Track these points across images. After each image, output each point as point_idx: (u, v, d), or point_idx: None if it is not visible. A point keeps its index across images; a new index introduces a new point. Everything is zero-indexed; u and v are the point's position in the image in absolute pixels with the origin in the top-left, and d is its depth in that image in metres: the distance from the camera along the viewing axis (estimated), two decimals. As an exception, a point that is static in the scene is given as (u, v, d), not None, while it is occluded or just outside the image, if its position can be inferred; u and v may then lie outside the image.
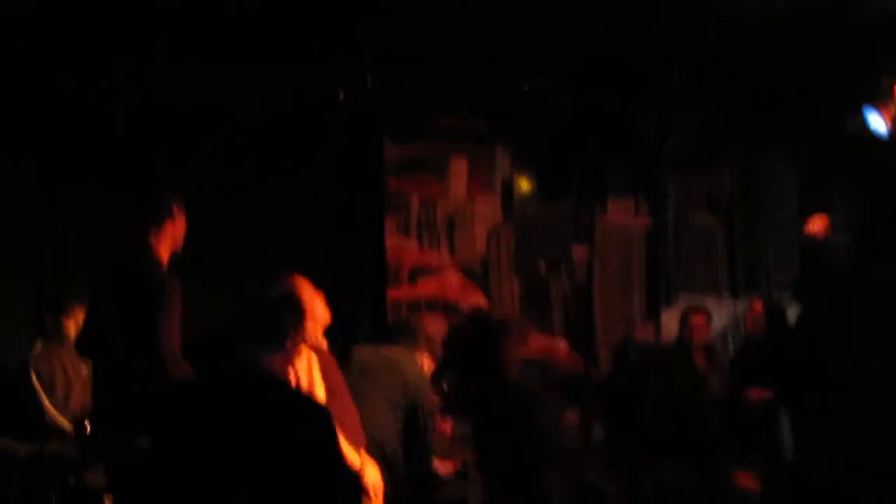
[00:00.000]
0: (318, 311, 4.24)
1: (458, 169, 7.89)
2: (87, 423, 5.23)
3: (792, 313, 7.74)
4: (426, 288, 7.67)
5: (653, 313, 7.97)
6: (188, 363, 4.10)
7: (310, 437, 3.07)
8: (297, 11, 6.02)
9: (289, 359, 3.31)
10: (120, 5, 5.80)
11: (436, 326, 5.80)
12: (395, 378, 4.82)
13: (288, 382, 3.33)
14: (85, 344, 4.45)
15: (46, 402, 5.80)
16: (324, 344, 4.33)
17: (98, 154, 6.81)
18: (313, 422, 3.12)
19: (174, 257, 4.35)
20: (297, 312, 3.37)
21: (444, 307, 7.49)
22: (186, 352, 4.12)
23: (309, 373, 4.06)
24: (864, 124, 6.55)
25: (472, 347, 6.30)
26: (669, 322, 7.61)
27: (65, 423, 5.76)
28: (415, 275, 7.68)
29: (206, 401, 3.13)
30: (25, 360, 5.90)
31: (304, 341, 4.03)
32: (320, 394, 4.03)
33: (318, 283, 4.35)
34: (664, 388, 6.65)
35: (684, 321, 6.80)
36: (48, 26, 6.00)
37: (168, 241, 4.26)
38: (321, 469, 3.05)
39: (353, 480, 3.32)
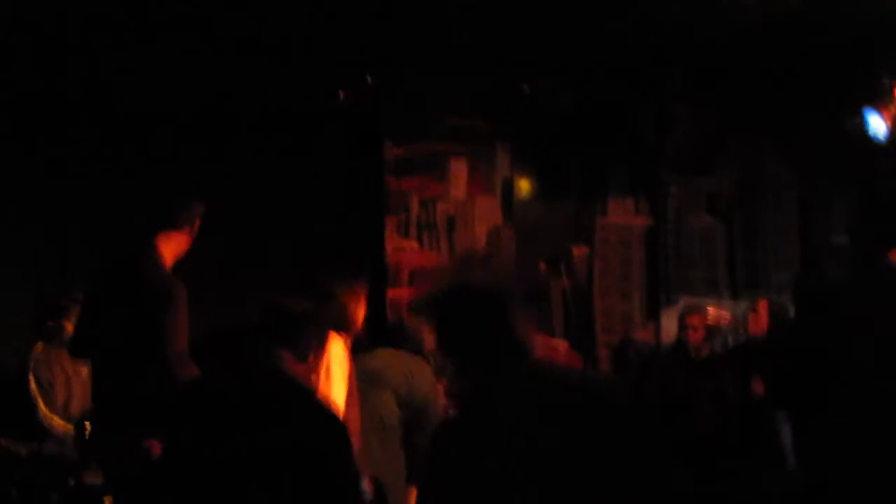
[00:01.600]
0: (358, 312, 4.36)
1: (458, 169, 7.89)
2: (87, 424, 5.23)
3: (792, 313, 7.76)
4: (426, 288, 7.66)
5: (653, 313, 7.97)
6: (195, 364, 4.10)
7: (325, 449, 3.06)
8: (298, 12, 6.02)
9: (311, 371, 3.29)
10: (127, 3, 5.80)
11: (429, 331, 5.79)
12: (404, 379, 4.83)
13: (310, 389, 3.33)
14: (78, 345, 4.41)
15: (42, 405, 5.80)
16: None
17: (99, 154, 6.82)
18: (331, 434, 3.11)
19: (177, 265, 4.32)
20: (322, 328, 3.36)
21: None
22: (194, 349, 4.13)
23: (331, 363, 4.16)
24: (863, 125, 6.55)
25: None
26: (669, 322, 7.60)
27: (61, 425, 5.76)
28: (415, 275, 7.69)
29: (226, 401, 3.12)
30: (26, 361, 5.90)
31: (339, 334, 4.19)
32: (340, 383, 4.11)
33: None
34: (663, 389, 6.65)
35: (682, 322, 6.80)
36: (53, 22, 6.00)
37: (177, 248, 4.20)
38: (333, 482, 3.04)
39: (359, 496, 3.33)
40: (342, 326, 4.29)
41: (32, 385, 5.81)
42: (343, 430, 3.15)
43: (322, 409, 3.23)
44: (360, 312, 4.44)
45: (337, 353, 4.18)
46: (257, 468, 2.93)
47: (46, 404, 5.81)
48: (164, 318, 3.95)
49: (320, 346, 3.29)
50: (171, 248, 4.18)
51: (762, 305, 6.70)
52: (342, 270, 4.52)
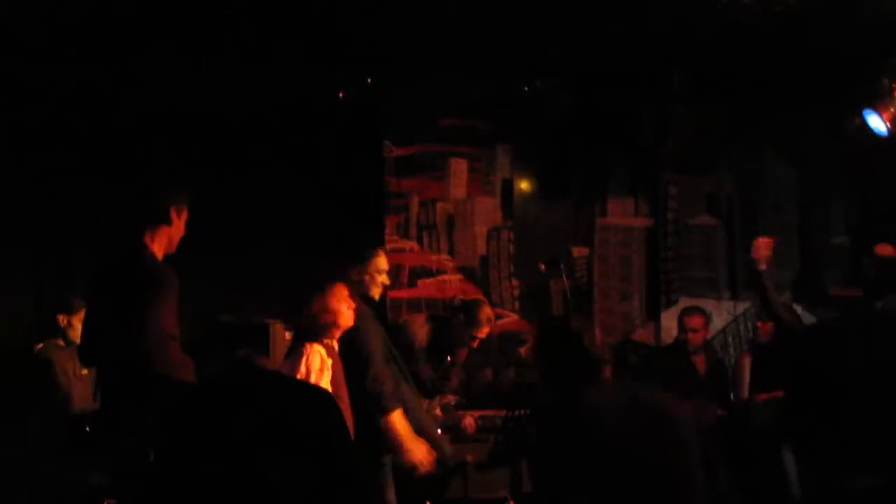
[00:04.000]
0: (345, 317, 4.40)
1: (458, 169, 7.90)
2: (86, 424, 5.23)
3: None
4: (426, 288, 7.67)
5: (653, 314, 7.97)
6: (185, 354, 4.12)
7: (323, 423, 3.13)
8: (298, 12, 6.02)
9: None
10: (123, 6, 5.80)
11: (420, 328, 5.82)
12: None
13: (291, 376, 3.40)
14: (86, 353, 4.45)
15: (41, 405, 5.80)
16: (335, 344, 4.44)
17: (101, 154, 6.82)
18: (325, 408, 3.18)
19: (168, 258, 4.36)
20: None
21: (444, 307, 7.49)
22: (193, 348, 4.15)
23: (310, 374, 4.18)
24: (863, 125, 6.55)
25: None
26: (669, 322, 7.61)
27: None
28: (415, 275, 7.69)
29: (217, 400, 3.17)
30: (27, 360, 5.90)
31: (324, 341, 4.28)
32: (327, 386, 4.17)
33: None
34: (663, 389, 6.64)
35: (682, 323, 6.80)
36: (50, 25, 6.00)
37: (163, 242, 4.30)
38: (338, 453, 3.10)
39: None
40: (319, 333, 4.34)
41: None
42: (330, 397, 3.22)
43: (307, 385, 3.31)
44: (341, 314, 4.43)
45: (315, 363, 4.21)
46: (264, 450, 2.98)
47: (50, 402, 5.81)
48: (149, 299, 4.03)
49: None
50: (159, 242, 4.29)
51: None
52: (323, 273, 4.55)
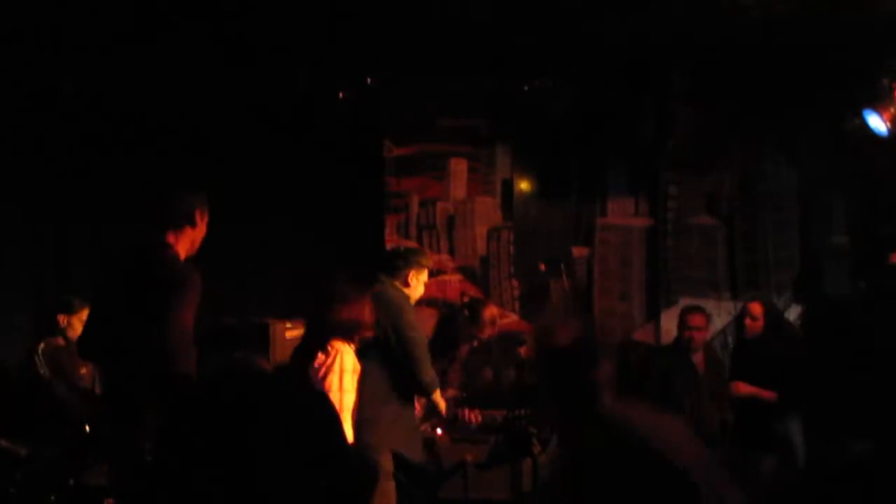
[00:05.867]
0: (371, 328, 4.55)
1: (458, 169, 7.90)
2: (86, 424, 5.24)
3: (793, 313, 7.77)
4: (426, 288, 7.65)
5: (653, 314, 7.96)
6: (196, 351, 4.11)
7: (320, 426, 3.12)
8: (298, 12, 6.02)
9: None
10: (128, 7, 5.82)
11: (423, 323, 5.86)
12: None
13: (280, 377, 3.40)
14: (87, 345, 4.42)
15: (42, 404, 5.81)
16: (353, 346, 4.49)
17: (101, 154, 6.83)
18: (322, 411, 3.18)
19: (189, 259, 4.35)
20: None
21: (444, 307, 7.49)
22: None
23: (343, 374, 4.23)
24: (863, 125, 6.56)
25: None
26: (669, 322, 7.60)
27: (62, 425, 5.77)
28: (415, 275, 7.68)
29: (212, 402, 3.17)
30: (28, 359, 5.90)
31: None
32: (351, 394, 4.28)
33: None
34: (663, 389, 6.64)
35: (682, 322, 6.79)
36: (54, 25, 6.00)
37: (186, 243, 4.26)
38: (335, 458, 3.09)
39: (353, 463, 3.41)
40: (351, 332, 4.36)
41: (34, 383, 5.82)
42: (328, 399, 3.22)
43: (305, 387, 3.30)
44: (368, 316, 4.49)
45: (348, 364, 4.25)
46: (260, 452, 2.97)
47: (49, 401, 5.82)
48: (173, 299, 3.99)
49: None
50: (182, 243, 4.26)
51: (755, 307, 6.72)
52: (351, 276, 4.59)
